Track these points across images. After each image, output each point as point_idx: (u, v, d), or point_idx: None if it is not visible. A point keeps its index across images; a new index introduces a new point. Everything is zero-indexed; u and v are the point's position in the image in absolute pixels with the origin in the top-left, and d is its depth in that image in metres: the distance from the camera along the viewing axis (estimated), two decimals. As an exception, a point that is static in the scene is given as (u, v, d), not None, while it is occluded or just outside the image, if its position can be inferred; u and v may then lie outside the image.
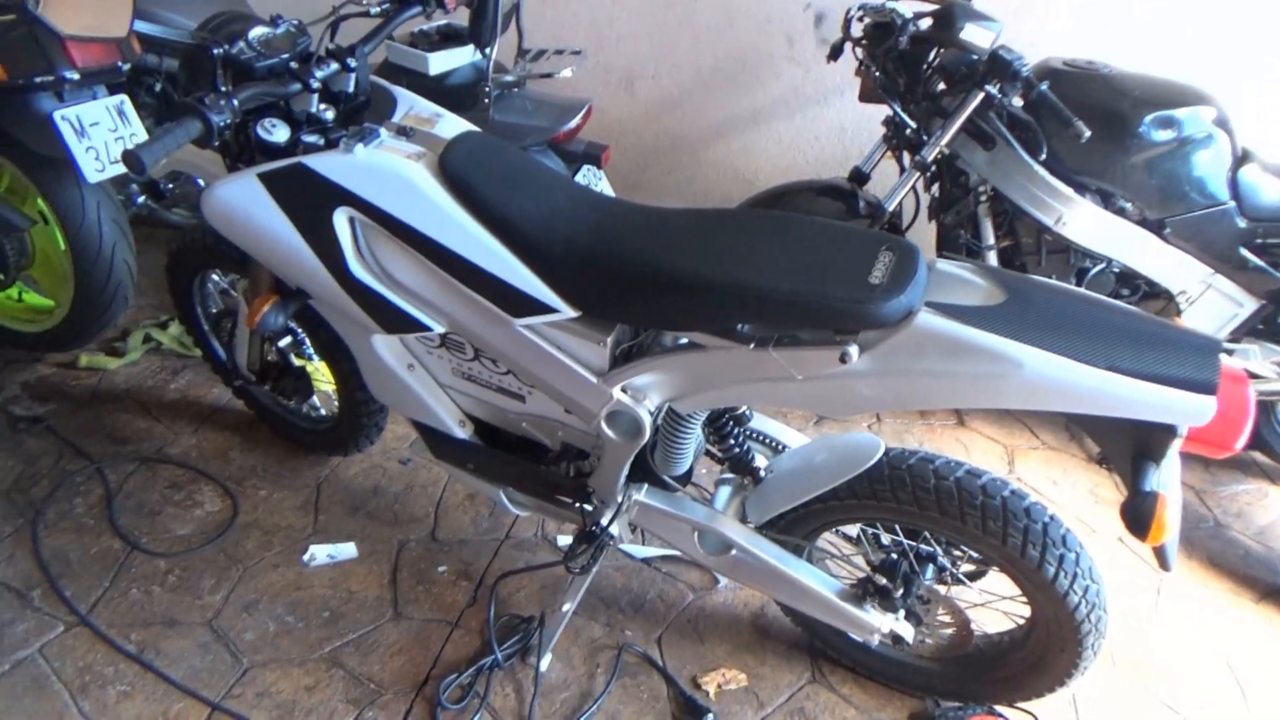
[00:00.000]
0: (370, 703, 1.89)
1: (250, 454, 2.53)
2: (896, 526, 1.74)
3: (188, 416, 2.65)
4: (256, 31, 1.61)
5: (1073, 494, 2.64)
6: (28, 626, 1.98)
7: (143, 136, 2.41)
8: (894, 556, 1.74)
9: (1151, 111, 2.35)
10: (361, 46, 1.70)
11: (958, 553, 1.75)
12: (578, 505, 1.86)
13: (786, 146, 3.50)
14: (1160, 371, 1.23)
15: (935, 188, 2.75)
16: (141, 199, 2.95)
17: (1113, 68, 2.48)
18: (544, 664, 1.97)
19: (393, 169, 1.53)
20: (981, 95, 2.39)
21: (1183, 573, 2.40)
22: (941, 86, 2.58)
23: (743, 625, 2.13)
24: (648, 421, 1.60)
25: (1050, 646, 1.70)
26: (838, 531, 1.87)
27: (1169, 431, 1.29)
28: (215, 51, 1.54)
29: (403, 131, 1.62)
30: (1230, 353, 1.28)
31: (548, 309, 1.53)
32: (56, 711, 1.82)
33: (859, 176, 2.77)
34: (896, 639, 1.77)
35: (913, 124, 2.59)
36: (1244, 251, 2.44)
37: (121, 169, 2.33)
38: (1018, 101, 2.42)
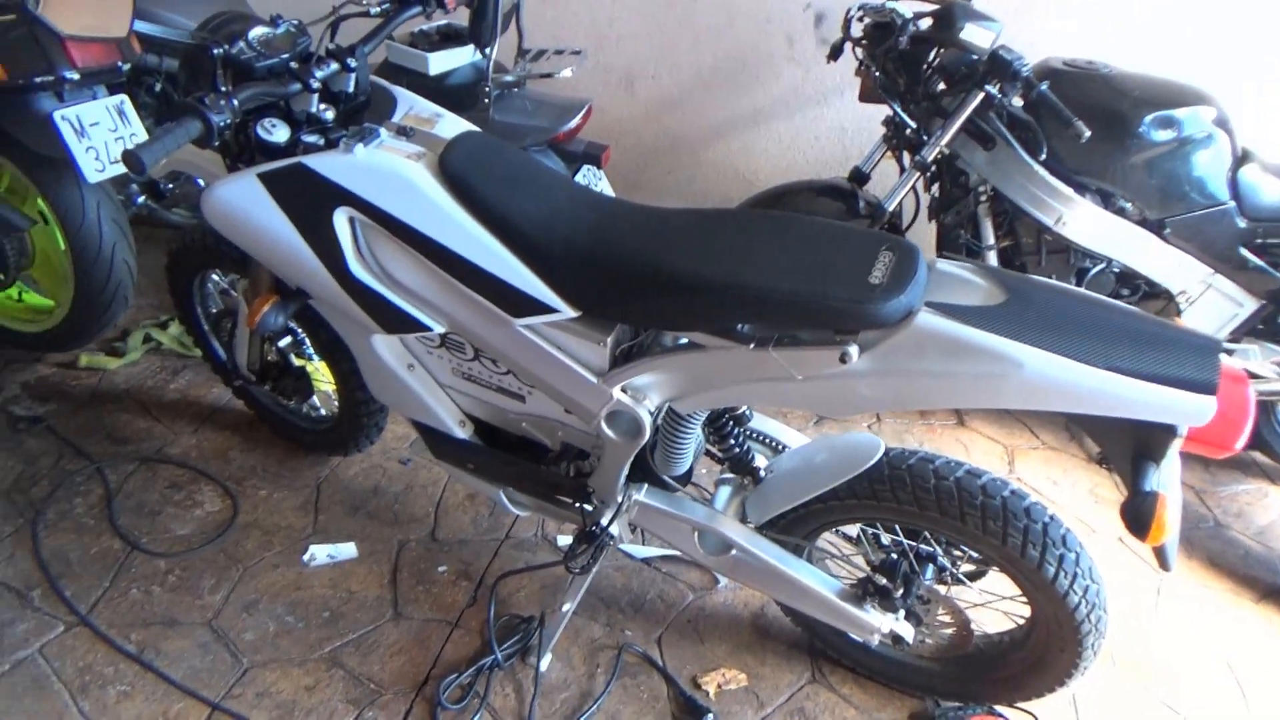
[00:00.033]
0: (370, 703, 1.89)
1: (250, 454, 2.53)
2: (896, 526, 1.74)
3: (188, 416, 2.65)
4: (256, 31, 1.61)
5: (1072, 494, 2.65)
6: (28, 626, 1.98)
7: (143, 136, 2.41)
8: (894, 556, 1.74)
9: (1151, 111, 2.35)
10: (361, 46, 1.70)
11: (958, 553, 1.75)
12: (578, 505, 1.86)
13: (786, 146, 3.50)
14: (1160, 371, 1.23)
15: (935, 188, 2.75)
16: (141, 199, 2.95)
17: (1113, 68, 2.48)
18: (544, 664, 1.97)
19: (393, 169, 1.53)
20: (981, 95, 2.39)
21: (1183, 573, 2.40)
22: (941, 86, 2.58)
23: (743, 625, 2.13)
24: (648, 421, 1.60)
25: (1050, 646, 1.70)
26: (838, 531, 1.87)
27: (1169, 431, 1.29)
28: (215, 51, 1.54)
29: (403, 131, 1.62)
30: (1230, 353, 1.28)
31: (548, 309, 1.53)
32: (56, 711, 1.82)
33: (859, 176, 2.77)
34: (896, 639, 1.77)
35: (913, 124, 2.59)
36: (1244, 251, 2.44)
37: (121, 169, 2.33)
38: (1018, 101, 2.42)
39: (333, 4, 1.87)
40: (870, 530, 1.80)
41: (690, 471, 1.80)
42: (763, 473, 1.78)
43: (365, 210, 1.56)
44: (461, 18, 2.66)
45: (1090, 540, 2.46)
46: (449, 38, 2.76)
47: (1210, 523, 2.60)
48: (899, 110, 2.59)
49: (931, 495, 1.57)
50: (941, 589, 1.77)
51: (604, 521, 1.78)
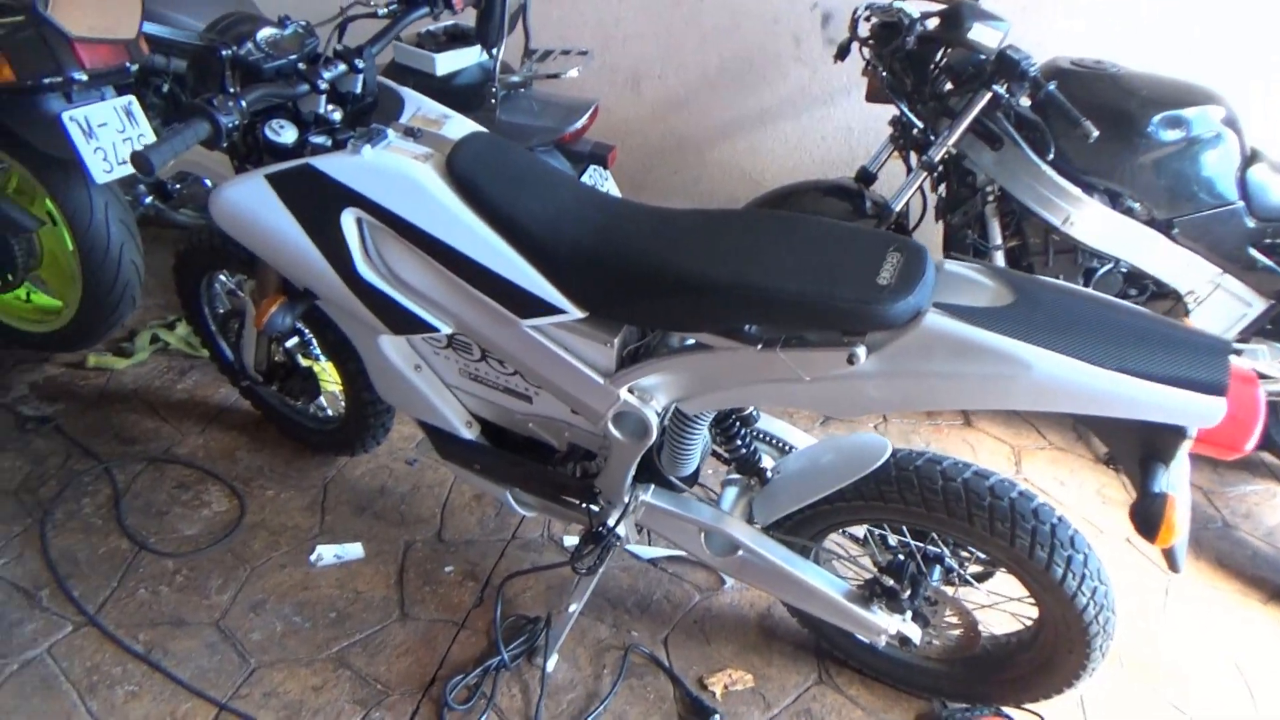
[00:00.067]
0: (377, 703, 1.89)
1: (257, 454, 2.53)
2: (903, 527, 1.74)
3: (195, 417, 2.66)
4: (264, 33, 1.62)
5: (1080, 494, 2.64)
6: (36, 626, 1.99)
7: (150, 137, 2.41)
8: (901, 557, 1.74)
9: (1160, 111, 2.34)
10: (369, 47, 1.70)
11: (965, 554, 1.75)
12: (584, 506, 1.86)
13: (793, 146, 3.50)
14: (1170, 373, 1.23)
15: (942, 188, 2.75)
16: (149, 199, 2.95)
17: (1121, 67, 2.47)
18: (550, 665, 1.97)
19: (400, 170, 1.53)
20: (989, 95, 2.38)
21: (1191, 573, 2.39)
22: (949, 86, 2.57)
23: (749, 626, 2.13)
24: (654, 422, 1.60)
25: (1058, 648, 1.70)
26: (844, 532, 1.87)
27: (1178, 433, 1.28)
28: (223, 53, 1.54)
29: (410, 132, 1.62)
30: (1239, 353, 1.28)
31: (555, 310, 1.53)
32: (65, 711, 1.83)
33: (866, 176, 2.77)
34: (904, 640, 1.77)
35: (920, 124, 2.58)
36: (1252, 251, 2.43)
37: (129, 170, 2.34)
38: (1025, 101, 2.41)
39: (340, 5, 1.87)
40: (877, 531, 1.80)
41: (697, 472, 1.80)
42: (769, 473, 1.78)
43: (373, 211, 1.56)
44: (468, 18, 2.65)
45: (1098, 541, 2.45)
46: (455, 38, 2.76)
47: (1218, 523, 2.59)
48: (906, 110, 2.59)
49: (939, 496, 1.57)
50: (949, 590, 1.76)
51: (610, 522, 1.77)
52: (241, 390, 2.59)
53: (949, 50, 2.55)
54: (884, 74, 2.61)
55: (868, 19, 2.64)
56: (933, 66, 2.58)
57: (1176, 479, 1.31)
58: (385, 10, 1.87)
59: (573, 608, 1.99)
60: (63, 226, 2.49)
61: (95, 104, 2.30)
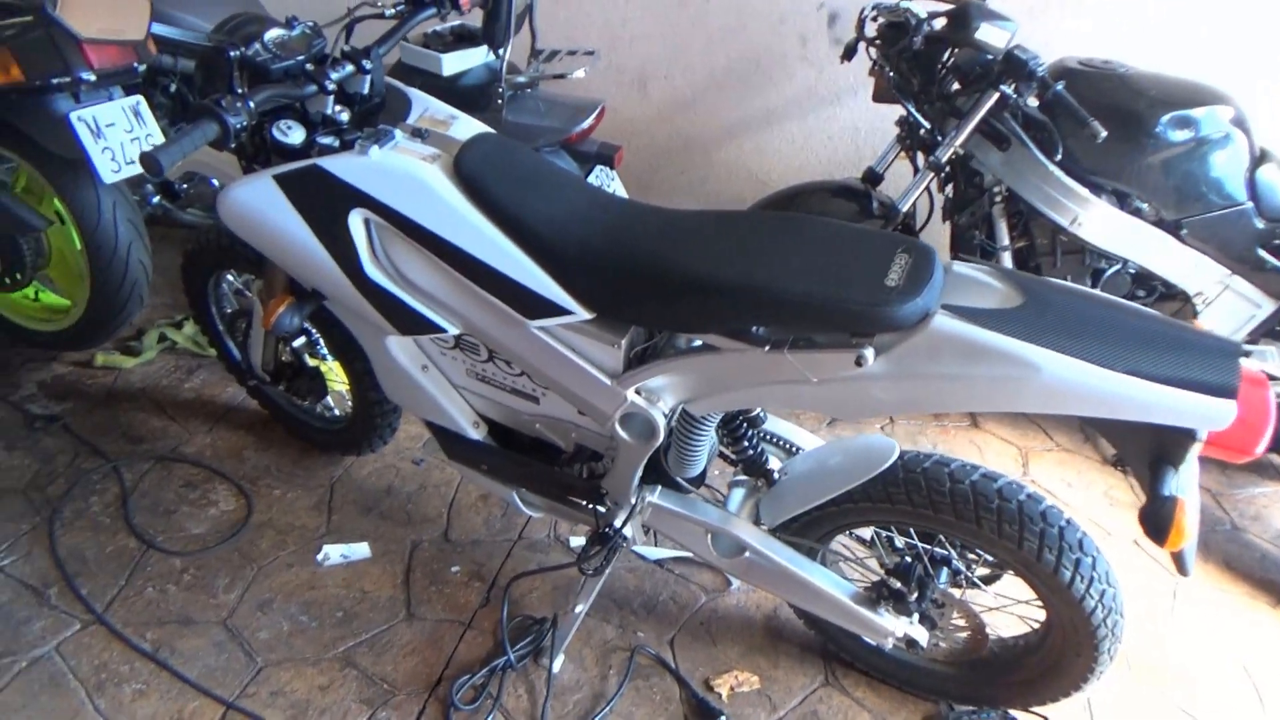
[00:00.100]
0: (384, 703, 1.89)
1: (264, 453, 2.54)
2: (911, 529, 1.73)
3: (202, 416, 2.67)
4: (272, 33, 1.62)
5: (1087, 496, 2.63)
6: (44, 624, 1.99)
7: (158, 137, 2.42)
8: (908, 560, 1.74)
9: (1168, 111, 2.33)
10: (376, 48, 1.70)
11: (972, 556, 1.74)
12: (591, 507, 1.86)
13: (799, 147, 3.49)
14: (1179, 375, 1.22)
15: (949, 188, 2.74)
16: (156, 199, 2.96)
17: (1129, 67, 2.47)
18: (556, 665, 1.97)
19: (408, 171, 1.53)
20: (996, 95, 2.37)
21: (1199, 576, 2.38)
22: (956, 86, 2.57)
23: (755, 627, 2.13)
24: (662, 423, 1.59)
25: (1066, 651, 1.70)
26: (851, 534, 1.86)
27: (1188, 436, 1.28)
28: (232, 54, 1.55)
29: (418, 133, 1.62)
30: (1249, 355, 1.27)
31: (562, 311, 1.53)
32: (72, 709, 1.83)
33: (872, 177, 2.76)
34: (911, 643, 1.76)
35: (927, 124, 2.58)
36: (1262, 252, 2.42)
37: (137, 169, 2.35)
38: (1033, 101, 2.41)
39: (348, 6, 1.88)
40: (884, 533, 1.80)
41: (704, 473, 1.80)
42: (776, 475, 1.77)
43: (380, 212, 1.56)
44: (475, 19, 2.66)
45: (1105, 543, 2.44)
46: (462, 39, 2.76)
47: (1227, 525, 2.58)
48: (913, 110, 2.58)
49: (947, 499, 1.57)
50: (956, 592, 1.76)
51: (617, 523, 1.77)
52: (249, 389, 2.59)
53: (956, 50, 2.54)
54: (891, 74, 2.61)
55: (875, 19, 2.63)
56: (940, 67, 2.58)
57: (1186, 482, 1.31)
58: (393, 11, 1.87)
59: (579, 608, 1.99)
60: (71, 226, 2.50)
61: (103, 104, 2.30)
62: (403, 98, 1.75)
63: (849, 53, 2.72)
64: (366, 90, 1.68)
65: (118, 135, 2.31)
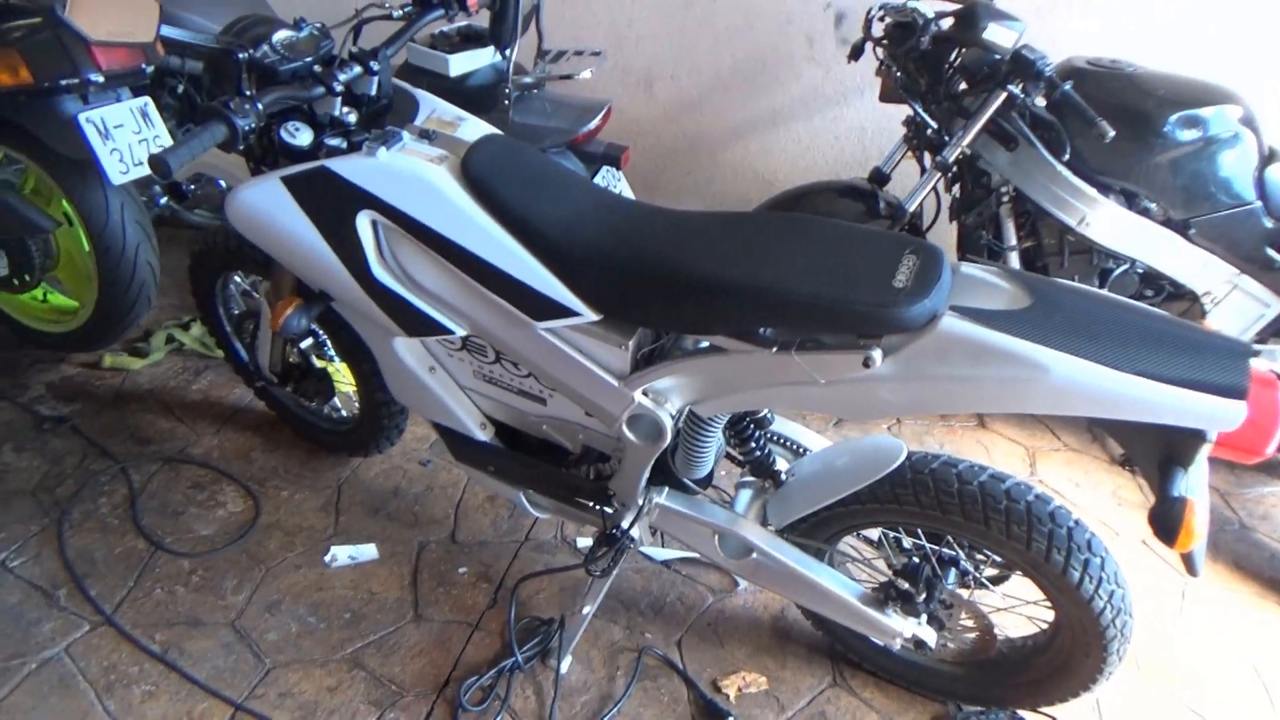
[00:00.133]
0: (392, 704, 1.90)
1: (272, 455, 2.54)
2: (919, 530, 1.73)
3: (210, 417, 2.67)
4: (280, 35, 1.62)
5: (1095, 496, 2.62)
6: (54, 626, 2.00)
7: (166, 138, 2.43)
8: (916, 560, 1.73)
9: (1176, 111, 2.32)
10: (384, 49, 1.71)
11: (980, 557, 1.74)
12: (598, 508, 1.86)
13: (806, 147, 3.49)
14: (1188, 376, 1.22)
15: (956, 188, 2.74)
16: (164, 200, 2.97)
17: (1137, 67, 2.46)
18: (564, 666, 1.97)
19: (415, 173, 1.53)
20: (1004, 95, 2.37)
21: (1208, 576, 2.38)
22: (963, 86, 2.56)
23: (763, 628, 2.12)
24: (669, 425, 1.59)
25: (1074, 651, 1.69)
26: (859, 535, 1.86)
27: (1198, 437, 1.27)
28: (240, 56, 1.55)
29: (425, 135, 1.63)
30: (1257, 354, 1.27)
31: (569, 312, 1.53)
32: (82, 710, 1.84)
33: (879, 177, 2.76)
34: (919, 643, 1.76)
35: (934, 124, 2.57)
36: (1270, 251, 2.41)
37: (145, 171, 2.35)
38: (1041, 101, 2.40)
39: (355, 7, 1.88)
40: (892, 534, 1.79)
41: (711, 474, 1.80)
42: (784, 476, 1.77)
43: (388, 213, 1.56)
44: (482, 19, 2.66)
45: (1114, 543, 2.44)
46: (469, 39, 2.76)
47: (1235, 525, 2.57)
48: (920, 110, 2.58)
49: (955, 500, 1.56)
50: (964, 593, 1.76)
51: (624, 524, 1.78)
52: (256, 391, 2.60)
53: (964, 50, 2.54)
54: (898, 74, 2.60)
55: (882, 19, 2.63)
56: (947, 66, 2.57)
57: (1195, 483, 1.30)
58: (400, 12, 1.87)
59: (586, 609, 1.99)
60: (79, 227, 2.51)
61: (111, 105, 2.31)
62: (410, 99, 1.75)
63: (856, 53, 2.72)
64: (374, 92, 1.68)
65: (126, 137, 2.32)
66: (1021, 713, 1.89)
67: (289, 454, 2.55)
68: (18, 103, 2.29)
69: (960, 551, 1.72)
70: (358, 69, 1.64)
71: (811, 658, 2.06)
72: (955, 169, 2.58)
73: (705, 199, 3.74)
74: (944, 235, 2.78)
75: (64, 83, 2.22)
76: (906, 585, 1.71)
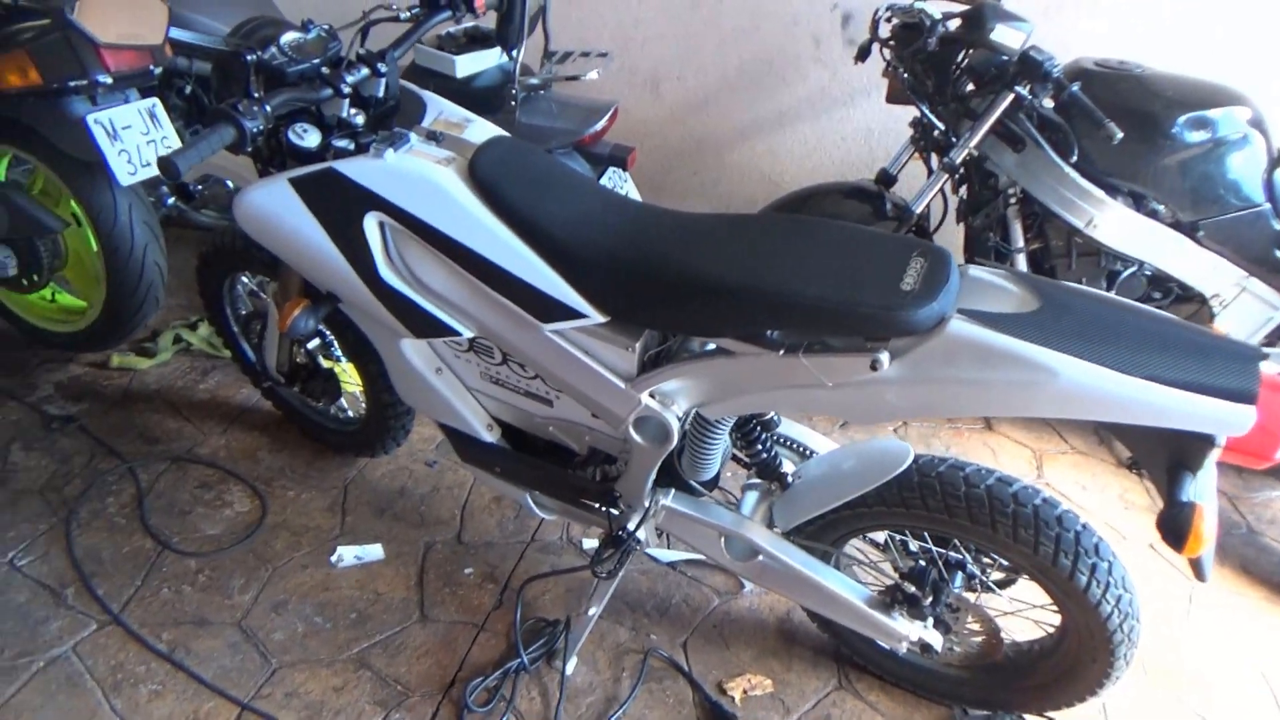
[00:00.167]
0: (397, 704, 1.90)
1: (278, 455, 2.55)
2: (925, 533, 1.73)
3: (217, 417, 2.68)
4: (288, 37, 1.63)
5: (1102, 499, 2.62)
6: (61, 624, 2.01)
7: (173, 139, 2.43)
8: (922, 564, 1.73)
9: (1185, 112, 2.32)
10: (391, 51, 1.71)
11: (987, 560, 1.74)
12: (604, 509, 1.86)
13: (812, 148, 3.48)
14: (1198, 380, 1.21)
15: (963, 190, 2.73)
16: (171, 200, 2.98)
17: (1145, 68, 2.45)
18: (569, 668, 1.97)
19: (423, 174, 1.53)
20: (1011, 96, 2.36)
21: (1215, 580, 2.37)
22: (970, 88, 2.55)
23: (768, 631, 2.12)
24: (675, 427, 1.59)
25: (1081, 655, 1.69)
26: (865, 538, 1.86)
27: (1207, 441, 1.27)
28: (249, 58, 1.55)
29: (432, 136, 1.63)
30: (1267, 358, 1.26)
31: (576, 314, 1.53)
32: (89, 709, 1.84)
33: (886, 178, 2.75)
34: (925, 647, 1.76)
35: (941, 125, 2.56)
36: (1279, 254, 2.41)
37: (153, 172, 2.36)
38: (1048, 103, 2.40)
39: (363, 9, 1.88)
40: (898, 537, 1.79)
41: (717, 477, 1.80)
42: (790, 478, 1.77)
43: (395, 215, 1.56)
44: (488, 21, 2.66)
45: (1121, 547, 2.43)
46: (475, 40, 2.76)
47: (1243, 529, 2.56)
48: (927, 112, 2.57)
49: (962, 503, 1.56)
50: (970, 597, 1.75)
51: (630, 526, 1.77)
52: (263, 391, 2.60)
53: (971, 51, 2.53)
54: (905, 75, 2.59)
55: (889, 20, 2.62)
56: (954, 68, 2.56)
57: (1204, 488, 1.30)
58: (407, 14, 1.88)
59: (592, 611, 1.99)
60: (87, 228, 2.52)
61: (119, 106, 2.32)
62: (417, 101, 1.76)
63: (863, 54, 2.71)
64: (382, 93, 1.69)
65: (134, 137, 2.33)
66: (1027, 717, 1.89)
67: (295, 454, 2.55)
68: (27, 104, 2.30)
69: (967, 555, 1.72)
70: (365, 71, 1.65)
71: (817, 660, 2.06)
72: (962, 171, 2.57)
73: (711, 200, 3.74)
74: (951, 237, 2.77)
75: (72, 84, 2.23)
76: (913, 588, 1.71)
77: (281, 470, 2.49)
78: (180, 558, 2.19)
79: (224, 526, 2.30)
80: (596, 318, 1.53)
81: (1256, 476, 2.76)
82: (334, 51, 1.67)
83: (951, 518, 1.58)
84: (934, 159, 2.67)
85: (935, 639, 1.74)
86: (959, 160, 2.50)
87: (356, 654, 2.00)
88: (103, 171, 2.32)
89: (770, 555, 1.75)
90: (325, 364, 2.34)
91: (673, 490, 1.78)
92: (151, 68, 2.37)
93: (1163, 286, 2.53)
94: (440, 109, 1.74)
